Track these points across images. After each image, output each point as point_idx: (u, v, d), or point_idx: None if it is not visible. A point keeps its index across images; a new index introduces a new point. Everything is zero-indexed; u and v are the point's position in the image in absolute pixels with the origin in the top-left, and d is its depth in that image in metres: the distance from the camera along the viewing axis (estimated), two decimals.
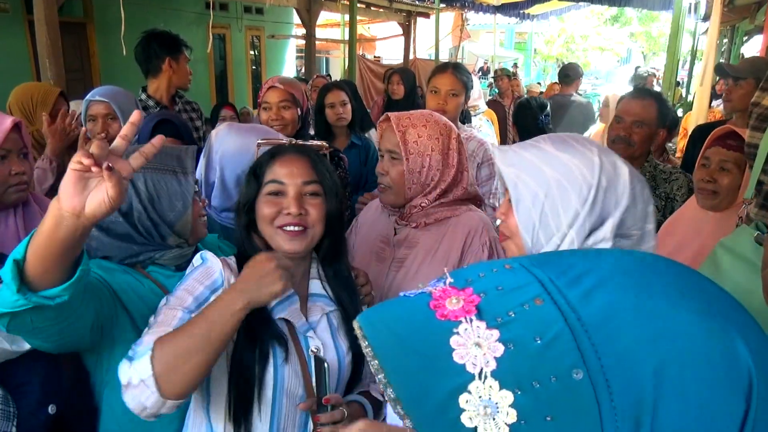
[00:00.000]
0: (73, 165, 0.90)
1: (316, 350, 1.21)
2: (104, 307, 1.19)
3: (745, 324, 0.38)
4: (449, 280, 0.42)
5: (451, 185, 1.66)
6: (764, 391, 0.36)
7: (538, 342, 0.36)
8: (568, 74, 5.12)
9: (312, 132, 2.60)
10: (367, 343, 0.40)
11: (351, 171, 2.78)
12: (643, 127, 2.25)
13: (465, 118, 3.11)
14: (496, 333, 0.37)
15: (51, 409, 1.32)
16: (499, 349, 0.36)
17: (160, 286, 1.33)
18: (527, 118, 2.98)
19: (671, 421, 0.34)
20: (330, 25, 12.49)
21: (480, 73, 19.99)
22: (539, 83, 17.07)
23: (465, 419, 0.36)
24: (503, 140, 5.86)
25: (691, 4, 6.89)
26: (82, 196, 0.91)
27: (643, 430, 0.34)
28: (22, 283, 0.94)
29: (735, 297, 1.27)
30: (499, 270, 0.42)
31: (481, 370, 0.36)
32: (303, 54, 10.16)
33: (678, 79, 10.44)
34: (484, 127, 4.08)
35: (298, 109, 2.35)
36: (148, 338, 1.07)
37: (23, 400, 1.28)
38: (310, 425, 1.20)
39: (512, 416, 0.35)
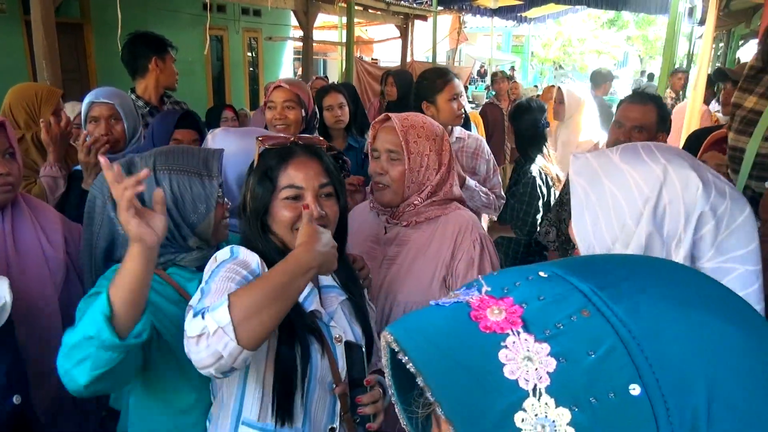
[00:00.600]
0: (131, 210, 1.05)
1: (339, 338, 1.27)
2: None
3: None
4: (485, 288, 0.40)
5: (441, 184, 1.70)
6: None
7: (592, 356, 0.35)
8: (596, 79, 5.70)
9: (317, 134, 2.62)
10: (408, 357, 0.37)
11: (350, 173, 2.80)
12: (644, 132, 2.23)
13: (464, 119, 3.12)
14: (546, 346, 0.36)
15: (16, 399, 1.30)
16: (552, 364, 0.35)
17: (180, 290, 1.34)
18: (526, 120, 2.99)
19: None
20: (327, 27, 12.50)
21: (478, 76, 20.04)
22: (536, 86, 17.13)
23: None
24: (500, 143, 5.89)
25: (687, 8, 6.93)
26: (149, 226, 1.07)
27: None
28: (116, 335, 1.01)
29: None
30: (534, 278, 0.40)
31: (535, 386, 0.35)
32: (300, 56, 10.17)
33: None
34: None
35: (303, 110, 2.37)
36: (209, 299, 1.08)
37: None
38: (338, 406, 1.26)
39: None
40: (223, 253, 1.22)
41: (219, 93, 9.96)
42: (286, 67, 11.93)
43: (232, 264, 1.17)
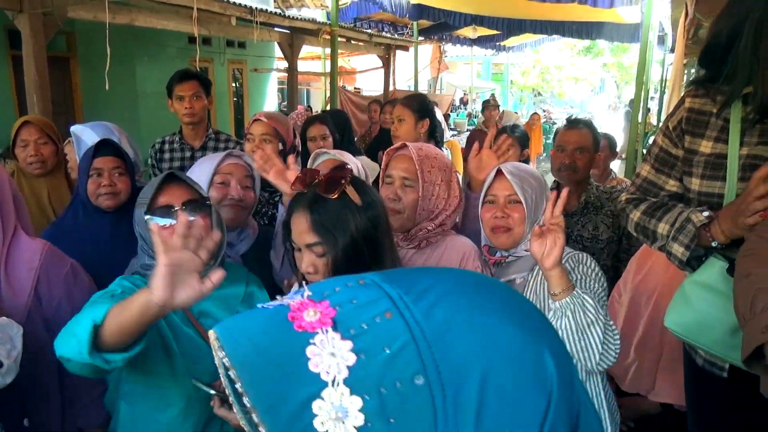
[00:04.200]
0: (166, 262, 1.02)
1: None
2: None
3: (552, 338, 0.47)
4: (307, 293, 0.45)
5: (453, 213, 1.78)
6: (560, 391, 0.44)
7: (387, 352, 0.40)
8: None
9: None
10: (224, 353, 0.41)
11: None
12: (584, 153, 2.54)
13: (439, 140, 3.21)
14: (349, 344, 0.41)
15: (26, 422, 1.38)
16: (352, 358, 0.40)
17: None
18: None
19: (493, 414, 0.41)
20: (311, 57, 12.70)
21: (461, 104, 20.39)
22: (517, 113, 17.45)
23: (317, 424, 0.39)
24: None
25: (658, 36, 7.20)
26: (171, 290, 1.04)
27: (468, 427, 0.41)
28: (92, 344, 1.07)
29: (704, 324, 1.34)
30: (353, 285, 0.46)
31: (335, 378, 0.40)
32: (285, 86, 10.29)
33: (648, 106, 10.80)
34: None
35: (280, 144, 2.42)
36: None
37: (6, 420, 1.34)
38: None
39: (360, 419, 0.39)
40: None
41: None
42: (271, 97, 12.07)
43: None
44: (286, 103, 10.71)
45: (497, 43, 12.85)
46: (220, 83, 10.26)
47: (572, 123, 2.73)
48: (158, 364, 1.33)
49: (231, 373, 0.41)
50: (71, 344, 1.08)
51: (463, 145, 9.59)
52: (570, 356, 0.50)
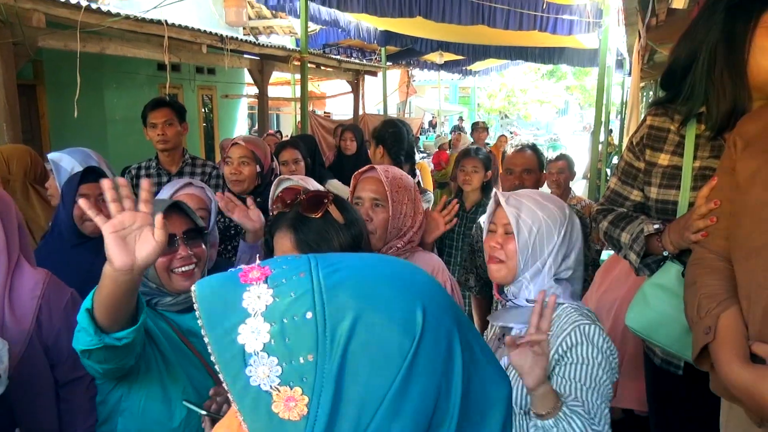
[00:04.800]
0: (109, 229, 1.06)
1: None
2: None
3: (432, 303, 0.63)
4: (258, 261, 0.63)
5: (418, 231, 1.87)
6: (427, 337, 0.59)
7: (292, 296, 0.58)
8: None
9: None
10: (195, 297, 0.60)
11: None
12: (532, 174, 2.74)
13: (408, 159, 3.32)
14: (271, 291, 0.58)
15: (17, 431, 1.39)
16: (270, 300, 0.58)
17: (172, 325, 1.46)
18: None
19: (360, 342, 0.58)
20: (280, 82, 12.80)
21: (430, 127, 20.76)
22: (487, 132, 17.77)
23: (240, 339, 0.57)
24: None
25: (616, 60, 7.51)
26: (128, 252, 1.07)
27: (339, 350, 0.57)
28: (96, 327, 1.13)
29: (661, 323, 1.45)
30: (291, 258, 0.64)
31: (255, 311, 0.57)
32: (255, 111, 10.34)
33: (611, 128, 11.18)
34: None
35: (258, 166, 2.50)
36: None
37: None
38: None
39: (267, 337, 0.56)
40: None
41: None
42: (241, 123, 12.09)
43: None
44: (256, 128, 10.76)
45: (463, 68, 13.16)
46: (190, 109, 10.21)
47: (518, 148, 2.90)
48: (159, 380, 1.37)
49: (195, 305, 0.59)
50: (82, 336, 1.14)
51: (432, 168, 9.75)
52: (453, 321, 0.63)
